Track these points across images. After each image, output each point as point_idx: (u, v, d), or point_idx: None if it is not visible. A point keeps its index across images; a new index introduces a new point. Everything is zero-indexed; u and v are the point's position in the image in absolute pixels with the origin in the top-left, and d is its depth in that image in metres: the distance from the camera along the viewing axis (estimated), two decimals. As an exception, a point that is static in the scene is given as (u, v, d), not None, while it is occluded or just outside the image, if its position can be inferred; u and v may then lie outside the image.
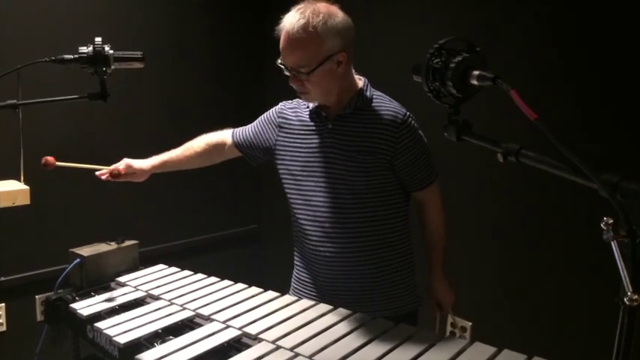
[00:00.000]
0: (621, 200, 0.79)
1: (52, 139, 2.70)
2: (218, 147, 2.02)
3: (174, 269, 2.06)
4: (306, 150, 1.77)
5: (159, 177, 3.13)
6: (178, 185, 3.23)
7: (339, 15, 1.61)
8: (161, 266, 2.09)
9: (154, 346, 1.46)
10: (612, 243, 0.76)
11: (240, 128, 1.99)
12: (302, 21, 1.56)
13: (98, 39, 1.56)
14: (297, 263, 1.91)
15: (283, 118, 1.85)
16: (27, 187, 1.82)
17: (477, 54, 1.10)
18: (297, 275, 1.91)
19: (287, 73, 1.65)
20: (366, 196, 1.71)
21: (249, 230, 3.59)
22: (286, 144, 1.81)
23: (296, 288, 1.90)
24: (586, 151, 1.87)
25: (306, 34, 1.56)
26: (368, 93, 1.73)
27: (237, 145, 1.97)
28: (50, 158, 1.90)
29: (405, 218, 1.81)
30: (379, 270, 1.76)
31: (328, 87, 1.66)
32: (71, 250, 1.95)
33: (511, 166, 1.17)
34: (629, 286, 0.74)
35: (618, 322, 0.78)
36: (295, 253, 1.91)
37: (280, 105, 1.89)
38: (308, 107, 1.79)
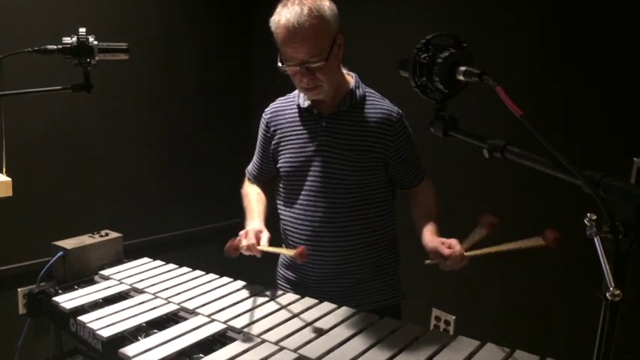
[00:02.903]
0: (604, 196, 0.80)
1: (35, 130, 2.67)
2: (263, 190, 1.93)
3: (158, 262, 2.05)
4: (299, 149, 1.74)
5: (143, 169, 3.12)
6: (163, 178, 3.22)
7: None
8: (145, 259, 2.08)
9: (138, 340, 1.46)
10: (595, 239, 0.77)
11: (249, 165, 1.97)
12: (304, 9, 1.52)
13: (82, 29, 1.53)
14: (283, 262, 1.89)
15: (272, 124, 1.81)
16: (9, 179, 1.79)
17: (463, 50, 1.11)
18: (284, 274, 1.89)
19: (290, 72, 1.61)
20: (358, 194, 1.70)
21: (235, 224, 3.57)
22: (280, 146, 1.78)
23: (282, 286, 1.89)
24: (569, 150, 1.89)
25: (315, 20, 1.52)
26: (360, 90, 1.72)
27: (257, 179, 1.93)
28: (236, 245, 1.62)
29: (392, 214, 1.82)
30: (366, 266, 1.76)
31: (336, 75, 1.65)
32: (54, 242, 1.94)
33: (497, 164, 1.18)
34: (612, 281, 0.75)
35: (600, 317, 0.79)
36: (281, 257, 1.90)
37: (264, 115, 1.85)
38: (296, 105, 1.76)
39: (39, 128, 2.68)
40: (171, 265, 2.02)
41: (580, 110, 2.20)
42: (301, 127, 1.74)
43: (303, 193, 1.74)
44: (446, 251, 1.49)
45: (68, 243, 1.93)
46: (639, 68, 2.04)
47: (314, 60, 1.56)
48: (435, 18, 2.61)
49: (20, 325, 1.98)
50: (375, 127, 1.67)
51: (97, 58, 1.55)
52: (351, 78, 1.74)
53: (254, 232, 1.64)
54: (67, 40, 1.53)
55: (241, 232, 1.66)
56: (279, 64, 1.60)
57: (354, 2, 2.85)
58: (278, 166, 1.80)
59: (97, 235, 2.02)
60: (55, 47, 1.53)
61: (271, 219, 1.82)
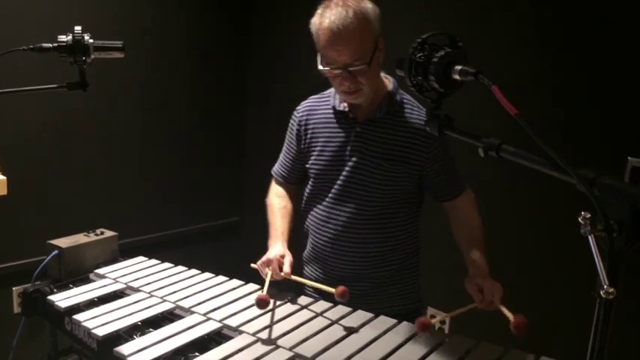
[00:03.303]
0: (598, 195, 0.80)
1: (30, 129, 2.66)
2: (289, 195, 1.89)
3: (154, 261, 2.04)
4: (329, 152, 1.70)
5: (138, 168, 3.11)
6: (158, 177, 3.22)
7: (367, 0, 1.57)
8: (141, 258, 2.07)
9: (133, 339, 1.46)
10: (590, 237, 0.78)
11: (275, 165, 1.91)
12: (350, 11, 1.49)
13: (78, 28, 1.53)
14: (306, 259, 1.86)
15: (304, 122, 1.77)
16: (4, 178, 1.79)
17: (459, 49, 1.11)
18: (306, 272, 1.86)
19: (331, 75, 1.57)
20: (385, 203, 1.66)
21: (230, 223, 3.58)
22: (311, 146, 1.75)
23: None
24: (564, 149, 1.90)
25: (359, 22, 1.49)
26: (398, 97, 1.67)
27: (286, 180, 1.88)
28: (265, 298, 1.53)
29: (416, 224, 1.78)
30: (386, 272, 1.73)
31: (376, 79, 1.61)
32: (49, 241, 1.93)
33: (490, 163, 1.18)
34: (606, 279, 0.75)
35: (594, 315, 0.79)
36: (306, 252, 1.86)
37: (296, 113, 1.81)
38: (331, 106, 1.72)
39: (34, 127, 2.67)
40: (167, 264, 2.01)
41: (575, 109, 2.21)
42: (334, 130, 1.70)
43: (329, 195, 1.71)
44: (477, 298, 1.53)
45: (63, 242, 1.93)
46: (635, 68, 2.05)
47: (357, 63, 1.52)
48: (434, 18, 2.61)
49: (15, 324, 1.98)
50: (411, 137, 1.62)
51: (92, 56, 1.54)
52: (388, 82, 1.69)
53: (277, 260, 1.62)
54: (62, 38, 1.52)
55: (263, 259, 1.64)
56: (320, 67, 1.56)
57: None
58: (307, 166, 1.76)
59: (92, 234, 2.02)
60: (51, 45, 1.52)
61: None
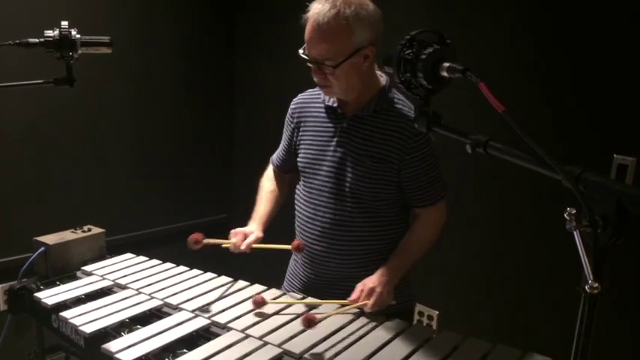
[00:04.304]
0: (584, 191, 0.81)
1: (15, 125, 2.64)
2: (279, 182, 1.93)
3: (142, 258, 2.04)
4: (317, 146, 1.71)
5: (126, 164, 3.09)
6: (146, 174, 3.20)
7: (370, 5, 1.53)
8: (128, 255, 2.06)
9: (121, 336, 1.45)
10: (575, 232, 0.79)
11: (275, 154, 1.94)
12: (333, 10, 1.48)
13: (64, 23, 1.52)
14: (295, 258, 1.87)
15: (297, 115, 1.79)
16: (-11, 174, 1.77)
17: (447, 46, 1.11)
18: (293, 269, 1.87)
19: (310, 65, 1.57)
20: (369, 201, 1.65)
21: (219, 220, 3.57)
22: (301, 140, 1.76)
23: (289, 280, 1.88)
24: (551, 145, 1.91)
25: (337, 25, 1.48)
26: (389, 95, 1.64)
27: (279, 169, 1.92)
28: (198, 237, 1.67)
29: (404, 224, 1.75)
30: (373, 272, 1.67)
31: (351, 82, 1.57)
32: (35, 238, 1.91)
33: (479, 160, 1.19)
34: (590, 274, 0.76)
35: (579, 310, 0.80)
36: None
37: (292, 105, 1.82)
38: (323, 101, 1.72)
39: (19, 122, 2.64)
40: (155, 261, 2.01)
41: (563, 107, 2.23)
42: (323, 124, 1.71)
43: (315, 191, 1.72)
44: (353, 295, 1.57)
45: (50, 238, 1.91)
46: (624, 66, 2.07)
47: (327, 63, 1.52)
48: (424, 13, 2.62)
49: (1, 322, 1.96)
50: (394, 135, 1.60)
51: (79, 51, 1.53)
52: (382, 80, 1.67)
53: (243, 232, 1.72)
54: (49, 33, 1.51)
55: (232, 231, 1.73)
56: (300, 52, 1.57)
57: None
58: (297, 159, 1.78)
59: (79, 231, 2.00)
60: (37, 40, 1.51)
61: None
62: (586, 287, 0.76)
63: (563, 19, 2.21)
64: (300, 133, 1.77)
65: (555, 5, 2.22)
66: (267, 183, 1.93)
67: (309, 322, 1.41)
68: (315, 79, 1.60)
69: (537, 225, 2.33)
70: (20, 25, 2.48)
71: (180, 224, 3.38)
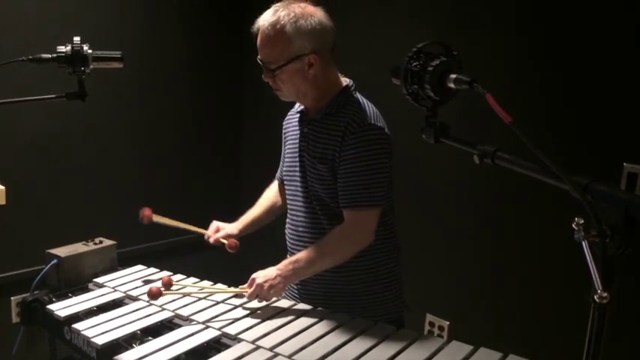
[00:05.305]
0: (591, 201, 0.81)
1: (28, 138, 2.67)
2: (277, 194, 1.98)
3: (153, 270, 2.05)
4: (290, 153, 1.78)
5: (136, 177, 3.12)
6: (156, 185, 3.22)
7: (315, 16, 1.58)
8: (140, 267, 2.08)
9: (132, 347, 1.46)
10: (583, 242, 0.79)
11: (279, 168, 1.99)
12: (273, 18, 1.57)
13: (77, 38, 1.54)
14: None
15: (284, 127, 1.87)
16: (3, 188, 1.79)
17: (454, 58, 1.12)
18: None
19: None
20: (330, 204, 1.66)
21: (229, 231, 3.58)
22: (285, 149, 1.84)
23: (289, 295, 1.89)
24: (558, 156, 1.91)
25: (274, 32, 1.56)
26: (343, 98, 1.65)
27: (279, 180, 1.98)
28: (148, 212, 1.95)
29: (383, 228, 1.70)
30: (350, 277, 1.70)
31: (299, 87, 1.63)
32: (48, 250, 1.93)
33: (489, 171, 1.19)
34: (599, 284, 0.76)
35: (589, 319, 0.80)
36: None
37: (284, 121, 1.88)
38: (298, 111, 1.78)
39: (32, 136, 2.68)
40: (166, 273, 2.02)
41: (571, 115, 2.23)
42: (295, 131, 1.77)
43: (291, 197, 1.78)
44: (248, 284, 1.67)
45: (62, 251, 1.93)
46: (632, 73, 2.06)
47: (268, 65, 1.61)
48: (431, 22, 2.63)
49: (13, 334, 1.97)
50: (335, 135, 1.61)
51: (91, 66, 1.56)
52: (340, 85, 1.68)
53: (217, 227, 1.94)
54: (61, 48, 1.54)
55: (212, 222, 1.97)
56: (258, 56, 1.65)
57: (351, 7, 2.88)
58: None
59: (90, 243, 2.02)
60: (50, 56, 1.54)
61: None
62: (595, 297, 0.76)
63: (571, 17, 2.21)
64: (284, 144, 1.85)
65: (555, 17, 2.22)
66: (267, 192, 2.00)
67: (154, 295, 1.62)
68: (265, 81, 1.67)
69: (547, 235, 2.32)
70: (33, 41, 2.52)
71: (190, 236, 3.38)
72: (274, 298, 1.70)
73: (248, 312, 1.65)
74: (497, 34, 2.41)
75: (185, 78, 3.28)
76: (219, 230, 1.92)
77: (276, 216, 1.97)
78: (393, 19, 2.76)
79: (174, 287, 1.78)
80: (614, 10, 2.08)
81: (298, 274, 1.64)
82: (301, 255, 1.65)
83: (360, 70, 2.36)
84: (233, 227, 1.93)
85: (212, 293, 1.77)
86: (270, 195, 1.99)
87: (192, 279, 1.92)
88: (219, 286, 1.82)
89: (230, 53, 3.45)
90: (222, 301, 1.73)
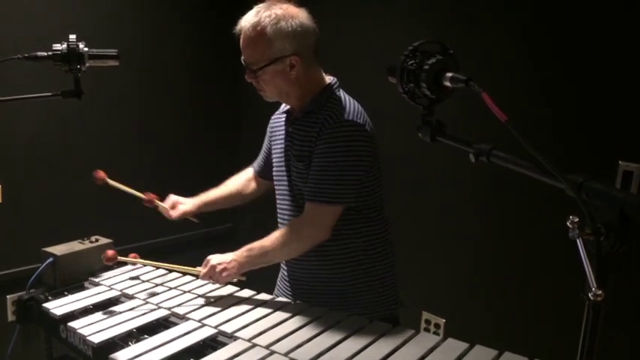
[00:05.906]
0: (586, 199, 0.82)
1: (24, 136, 2.66)
2: (247, 182, 2.03)
3: (148, 268, 2.04)
4: (277, 153, 1.79)
5: (133, 174, 3.11)
6: (153, 183, 3.20)
7: (297, 18, 1.57)
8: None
9: (128, 346, 1.46)
10: (578, 240, 0.79)
11: (256, 160, 2.02)
12: (254, 19, 1.58)
13: (72, 36, 1.54)
14: (282, 264, 1.89)
15: (270, 127, 1.88)
16: (-1, 186, 1.79)
17: (450, 56, 1.12)
18: (281, 274, 1.91)
19: None
20: None
21: (225, 229, 3.58)
22: (272, 150, 1.85)
23: (278, 286, 1.92)
24: (554, 154, 1.92)
25: (255, 33, 1.57)
26: (324, 96, 1.64)
27: (257, 173, 2.00)
28: (101, 173, 2.03)
29: (370, 226, 1.71)
30: (339, 275, 1.71)
31: (282, 88, 1.64)
32: (44, 249, 1.93)
33: (485, 169, 1.19)
34: (594, 281, 0.77)
35: (584, 317, 0.81)
36: None
37: (271, 119, 1.90)
38: (284, 111, 1.80)
39: (27, 134, 2.67)
40: (162, 271, 2.02)
41: (567, 113, 2.23)
42: (282, 132, 1.78)
43: (280, 196, 1.80)
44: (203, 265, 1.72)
45: (58, 249, 1.92)
46: (628, 72, 2.07)
47: (251, 66, 1.62)
48: (430, 22, 2.63)
49: (9, 333, 1.97)
50: (313, 132, 1.61)
51: (87, 64, 1.55)
52: (323, 84, 1.67)
53: (175, 200, 2.02)
54: (57, 46, 1.53)
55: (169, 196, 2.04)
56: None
57: (352, 7, 2.88)
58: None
59: (87, 241, 2.02)
60: (46, 54, 1.53)
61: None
62: (590, 295, 0.77)
63: (565, 25, 2.22)
64: (271, 143, 1.85)
65: (555, 16, 2.23)
66: (238, 176, 2.05)
67: (109, 258, 1.75)
68: (248, 81, 1.68)
69: (545, 231, 2.33)
70: (29, 39, 2.51)
71: (187, 234, 3.39)
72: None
73: (244, 310, 1.65)
74: (497, 34, 2.41)
75: (183, 76, 3.27)
76: (177, 205, 1.98)
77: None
78: (393, 19, 2.76)
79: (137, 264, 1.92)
80: (613, 10, 2.08)
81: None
82: (256, 243, 1.67)
83: (360, 69, 2.37)
84: (190, 203, 1.99)
85: (166, 268, 1.92)
86: (238, 181, 2.03)
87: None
88: (176, 266, 1.88)
89: (228, 50, 3.43)
90: (219, 299, 1.73)
